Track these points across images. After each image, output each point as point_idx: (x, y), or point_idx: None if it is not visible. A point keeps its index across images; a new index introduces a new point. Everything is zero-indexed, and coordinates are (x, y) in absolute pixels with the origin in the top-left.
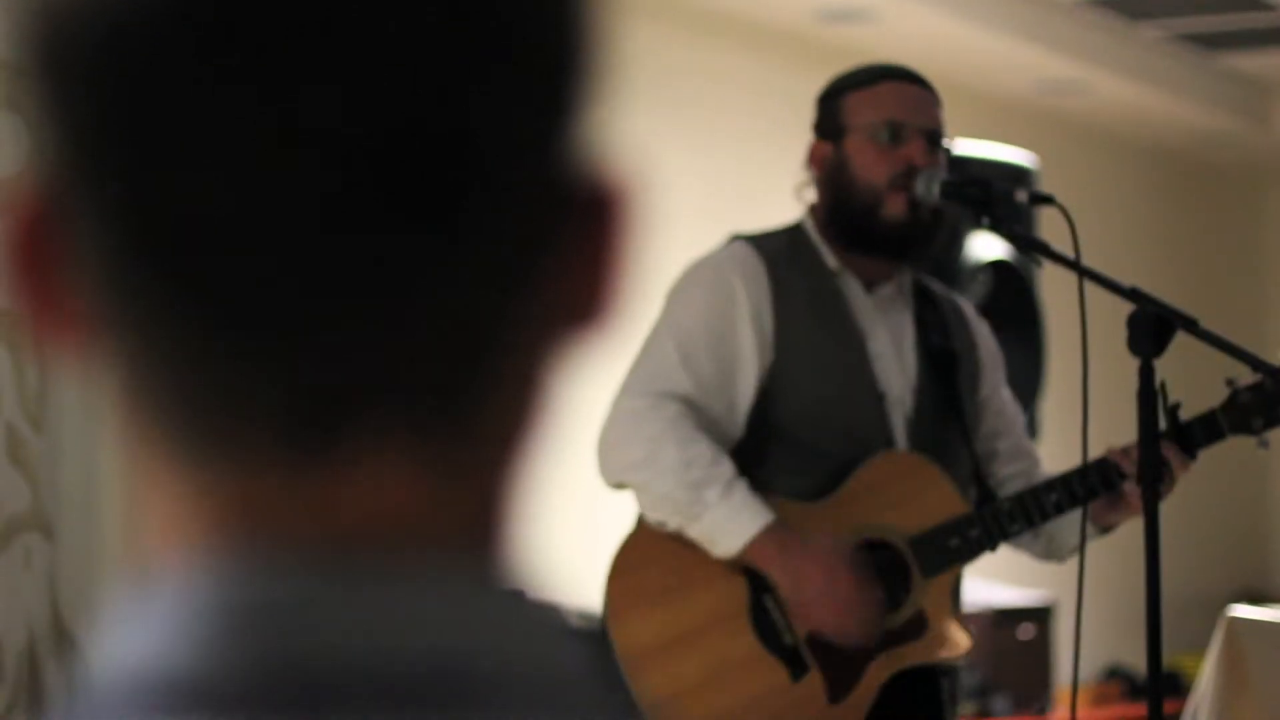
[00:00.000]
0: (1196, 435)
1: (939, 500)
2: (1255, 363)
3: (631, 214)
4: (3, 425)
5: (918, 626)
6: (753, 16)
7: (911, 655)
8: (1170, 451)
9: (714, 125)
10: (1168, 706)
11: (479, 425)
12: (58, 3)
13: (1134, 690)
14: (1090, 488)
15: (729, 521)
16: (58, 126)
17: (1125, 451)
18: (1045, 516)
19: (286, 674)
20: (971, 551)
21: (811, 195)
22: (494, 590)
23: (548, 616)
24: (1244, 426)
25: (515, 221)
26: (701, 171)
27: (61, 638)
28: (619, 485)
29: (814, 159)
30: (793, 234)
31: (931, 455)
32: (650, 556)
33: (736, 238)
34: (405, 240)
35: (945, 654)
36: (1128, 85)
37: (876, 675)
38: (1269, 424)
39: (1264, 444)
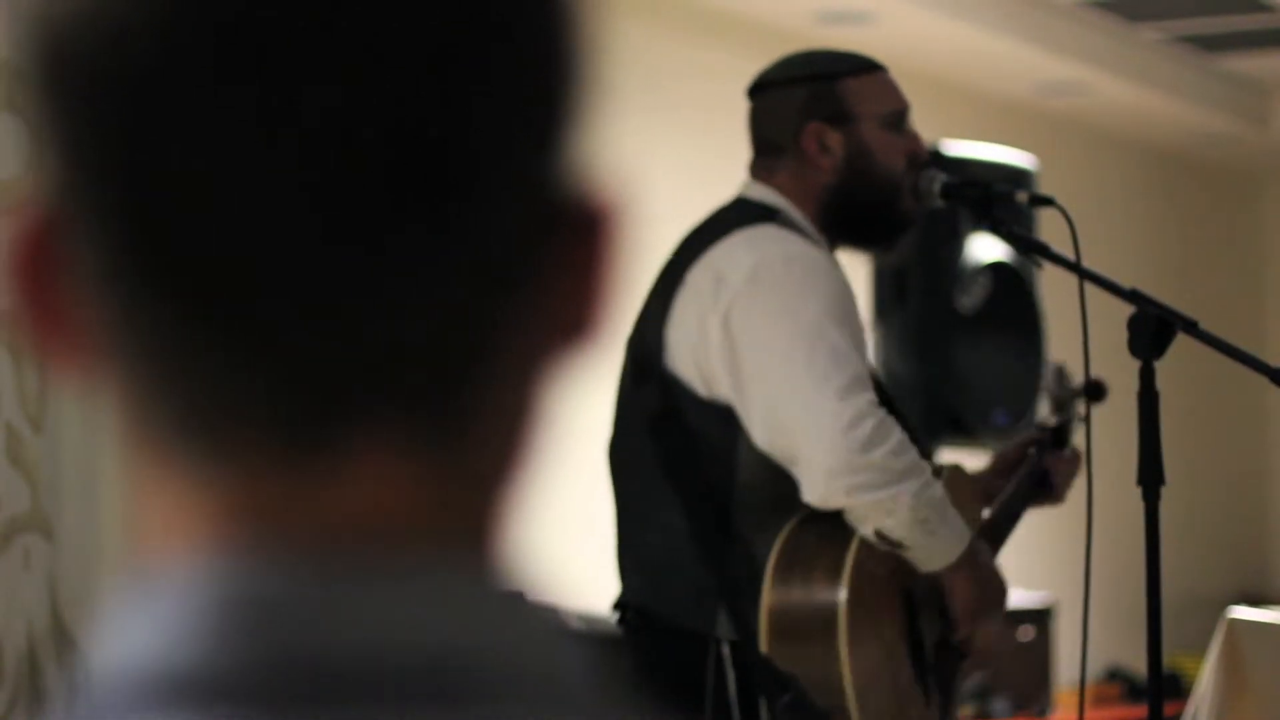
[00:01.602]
0: (1064, 434)
1: (974, 508)
2: (1255, 364)
3: (624, 223)
4: (2, 426)
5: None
6: (751, 18)
7: (968, 669)
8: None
9: (712, 126)
10: (1168, 708)
11: (478, 425)
12: (59, 5)
13: (1134, 691)
14: (1035, 486)
15: (954, 534)
16: (59, 128)
17: (1002, 456)
18: (1014, 521)
19: (286, 673)
20: (1001, 543)
21: (768, 176)
22: (493, 590)
23: (547, 617)
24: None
25: (512, 224)
26: (700, 173)
27: (61, 638)
28: (847, 506)
29: (814, 143)
30: (791, 220)
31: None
32: (865, 582)
33: (753, 221)
34: (403, 243)
35: (996, 656)
36: (1127, 87)
37: (961, 691)
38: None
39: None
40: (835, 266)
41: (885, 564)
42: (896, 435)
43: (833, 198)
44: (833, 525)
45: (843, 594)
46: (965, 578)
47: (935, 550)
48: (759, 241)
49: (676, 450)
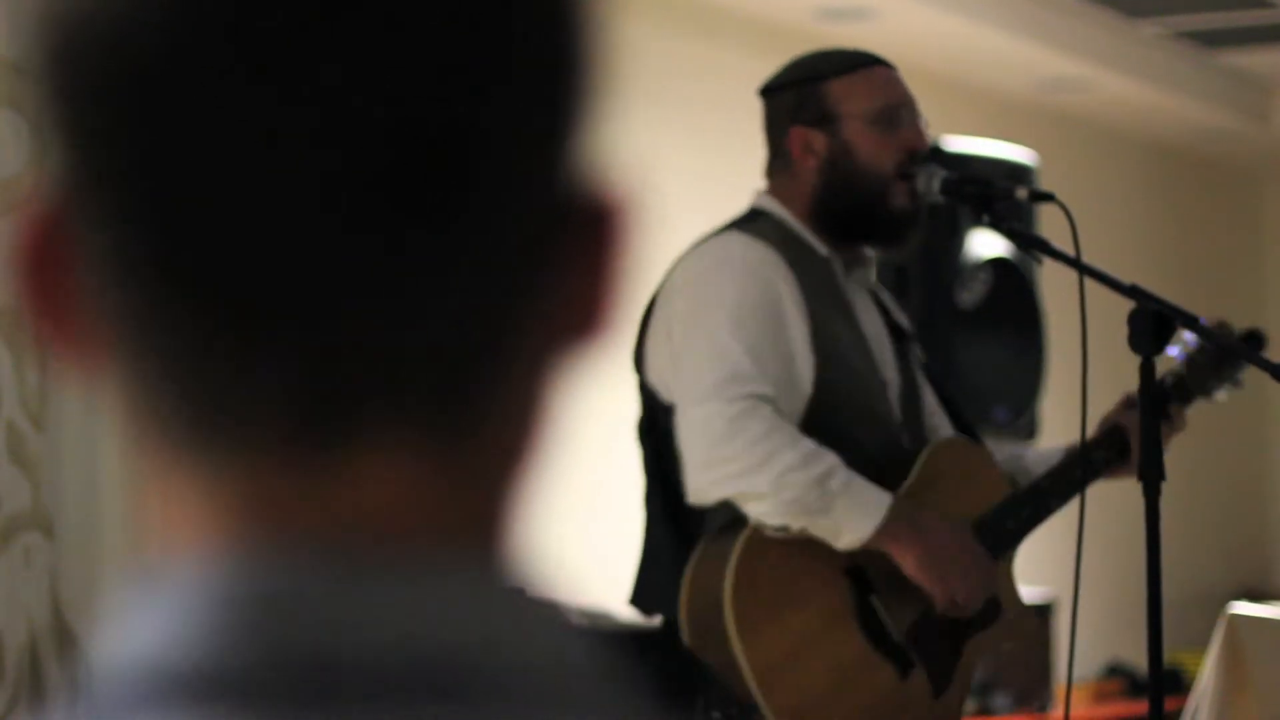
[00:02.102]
0: (1175, 397)
1: (991, 482)
2: (1256, 360)
3: (632, 220)
4: (3, 424)
5: (994, 611)
6: (752, 15)
7: (994, 640)
8: (1171, 409)
9: (713, 124)
10: (1168, 704)
11: (483, 423)
12: (63, 3)
13: (1135, 687)
14: (1107, 458)
15: (857, 508)
16: (62, 126)
17: (1122, 409)
18: (1075, 490)
19: (289, 670)
20: (1024, 531)
21: (771, 184)
22: (497, 587)
23: (549, 614)
24: (1203, 386)
25: (520, 222)
26: (701, 171)
27: (63, 636)
28: (721, 499)
29: (798, 147)
30: (771, 222)
31: (918, 434)
32: (762, 570)
33: (725, 228)
34: (412, 242)
35: (1021, 636)
36: (1128, 82)
37: (969, 664)
38: (1219, 382)
39: (1222, 393)
40: (765, 274)
41: (800, 550)
42: (757, 426)
43: (820, 199)
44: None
45: (727, 583)
46: (898, 545)
47: (839, 525)
48: (709, 248)
49: (655, 457)
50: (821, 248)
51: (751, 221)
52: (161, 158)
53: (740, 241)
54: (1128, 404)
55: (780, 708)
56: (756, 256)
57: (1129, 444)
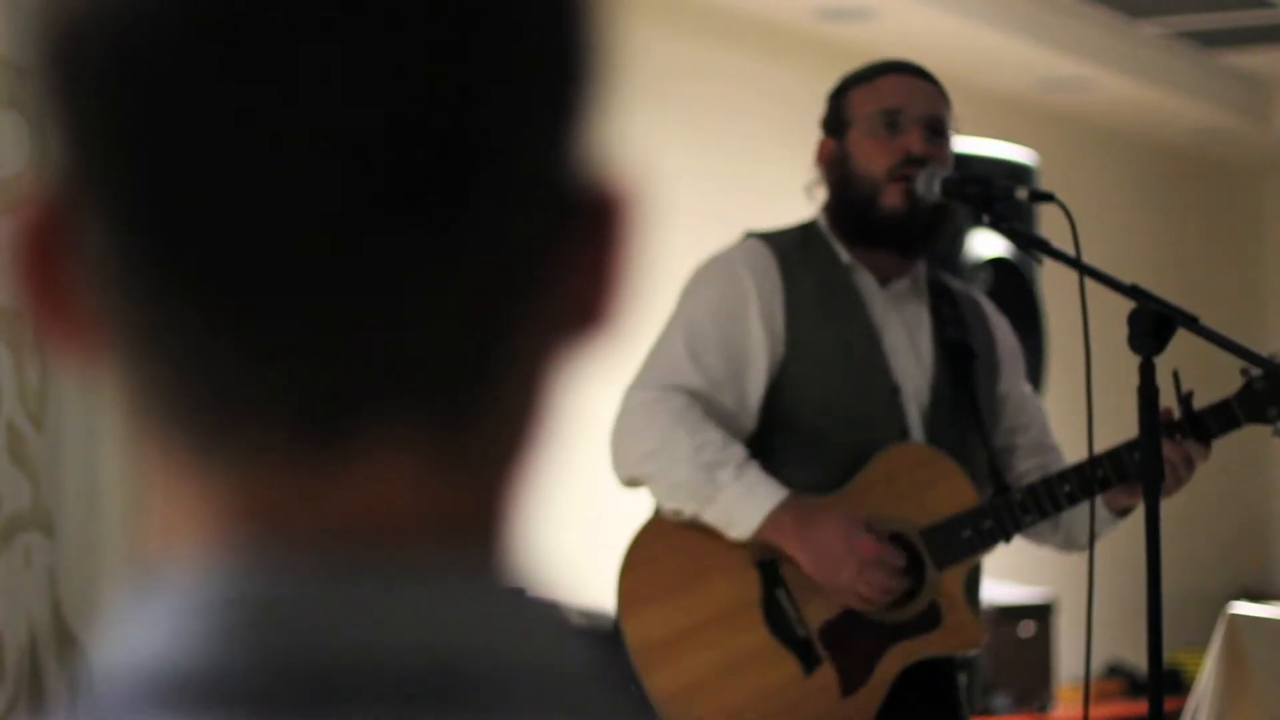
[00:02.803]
0: (1210, 424)
1: (951, 492)
2: (1256, 360)
3: (635, 216)
4: (3, 423)
5: (932, 619)
6: (753, 15)
7: (925, 647)
8: (1188, 445)
9: (714, 124)
10: (1168, 704)
11: (483, 424)
12: (63, 2)
13: (1134, 687)
14: (1102, 476)
15: (744, 500)
16: (62, 125)
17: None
18: (1058, 507)
19: (289, 671)
20: (984, 543)
21: (822, 193)
22: (496, 587)
23: (549, 614)
24: (1259, 415)
25: (521, 221)
26: (702, 170)
27: (63, 637)
28: (631, 479)
29: (821, 156)
30: (806, 230)
31: (947, 449)
32: (663, 550)
33: (750, 235)
34: (411, 240)
35: (960, 647)
36: (1128, 82)
37: (889, 668)
38: None
39: (1279, 432)
40: (738, 275)
41: (712, 538)
42: (664, 413)
43: (831, 204)
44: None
45: (622, 561)
46: (793, 545)
47: (726, 516)
48: (723, 250)
49: None
50: (845, 255)
51: (785, 230)
52: (161, 157)
53: (740, 247)
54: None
55: (660, 688)
56: (741, 259)
57: (1128, 473)
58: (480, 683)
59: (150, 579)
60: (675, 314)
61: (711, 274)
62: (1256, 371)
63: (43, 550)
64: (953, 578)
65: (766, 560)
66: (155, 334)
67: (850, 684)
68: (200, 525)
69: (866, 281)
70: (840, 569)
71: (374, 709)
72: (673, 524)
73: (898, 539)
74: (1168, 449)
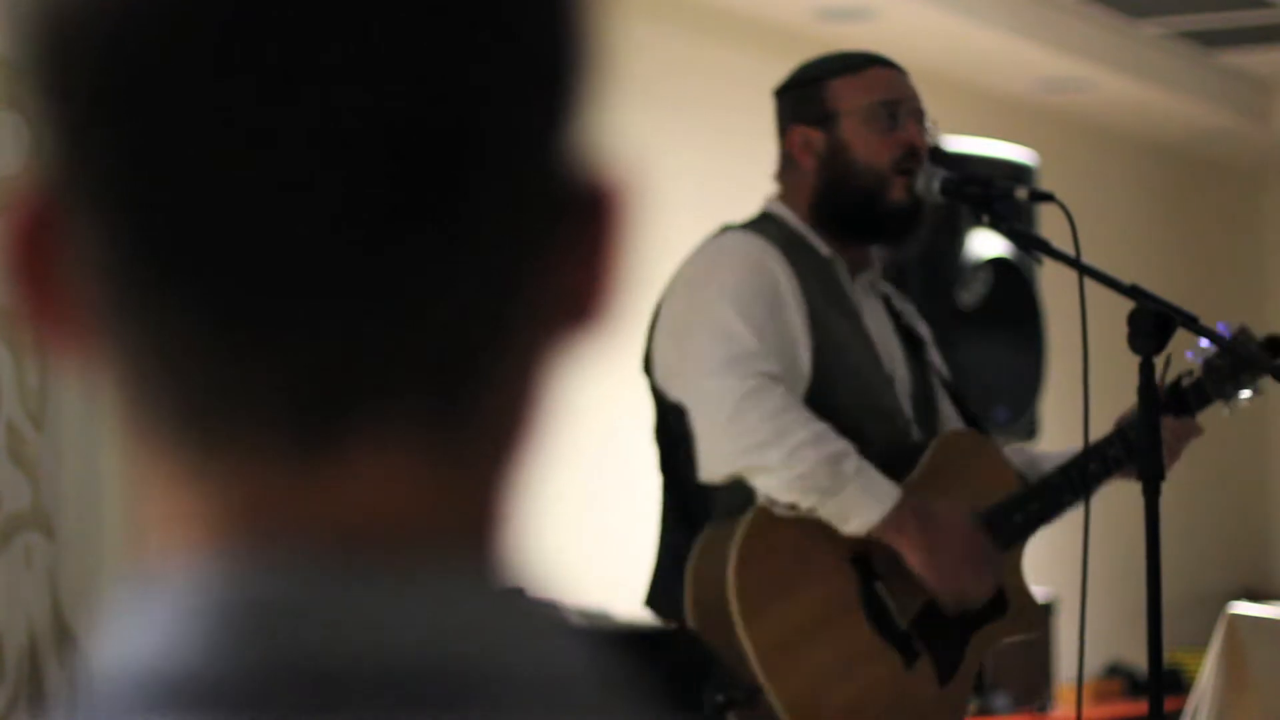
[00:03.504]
0: (1193, 402)
1: (997, 476)
2: (1256, 359)
3: (628, 212)
4: (3, 423)
5: (1000, 604)
6: (752, 14)
7: (1000, 633)
8: (1182, 423)
9: (713, 123)
10: (1168, 704)
11: (479, 422)
12: (58, 2)
13: (1135, 687)
14: (1117, 456)
15: (866, 494)
16: (58, 124)
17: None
18: (1088, 487)
19: (288, 671)
20: (1034, 525)
21: (795, 183)
22: (494, 588)
23: (549, 614)
24: (1223, 392)
25: (514, 219)
26: (700, 169)
27: (63, 636)
28: (738, 472)
29: (797, 145)
30: (775, 224)
31: (936, 429)
32: (769, 548)
33: (728, 229)
34: (405, 238)
35: (1027, 629)
36: (1128, 82)
37: (975, 655)
38: (1238, 387)
39: (1234, 406)
40: (762, 262)
41: (808, 533)
42: (770, 402)
43: (819, 197)
44: (743, 506)
45: (731, 561)
46: (904, 537)
47: (846, 508)
48: (708, 245)
49: (666, 455)
50: (824, 248)
51: (757, 222)
52: (158, 157)
53: (739, 236)
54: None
55: (786, 691)
56: (755, 248)
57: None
58: (480, 683)
59: (149, 579)
60: (706, 303)
61: (732, 263)
62: (1214, 351)
63: (43, 550)
64: (1012, 562)
65: (861, 554)
66: (151, 334)
67: (945, 674)
68: (197, 526)
69: (844, 274)
70: (953, 569)
71: (373, 709)
72: (771, 519)
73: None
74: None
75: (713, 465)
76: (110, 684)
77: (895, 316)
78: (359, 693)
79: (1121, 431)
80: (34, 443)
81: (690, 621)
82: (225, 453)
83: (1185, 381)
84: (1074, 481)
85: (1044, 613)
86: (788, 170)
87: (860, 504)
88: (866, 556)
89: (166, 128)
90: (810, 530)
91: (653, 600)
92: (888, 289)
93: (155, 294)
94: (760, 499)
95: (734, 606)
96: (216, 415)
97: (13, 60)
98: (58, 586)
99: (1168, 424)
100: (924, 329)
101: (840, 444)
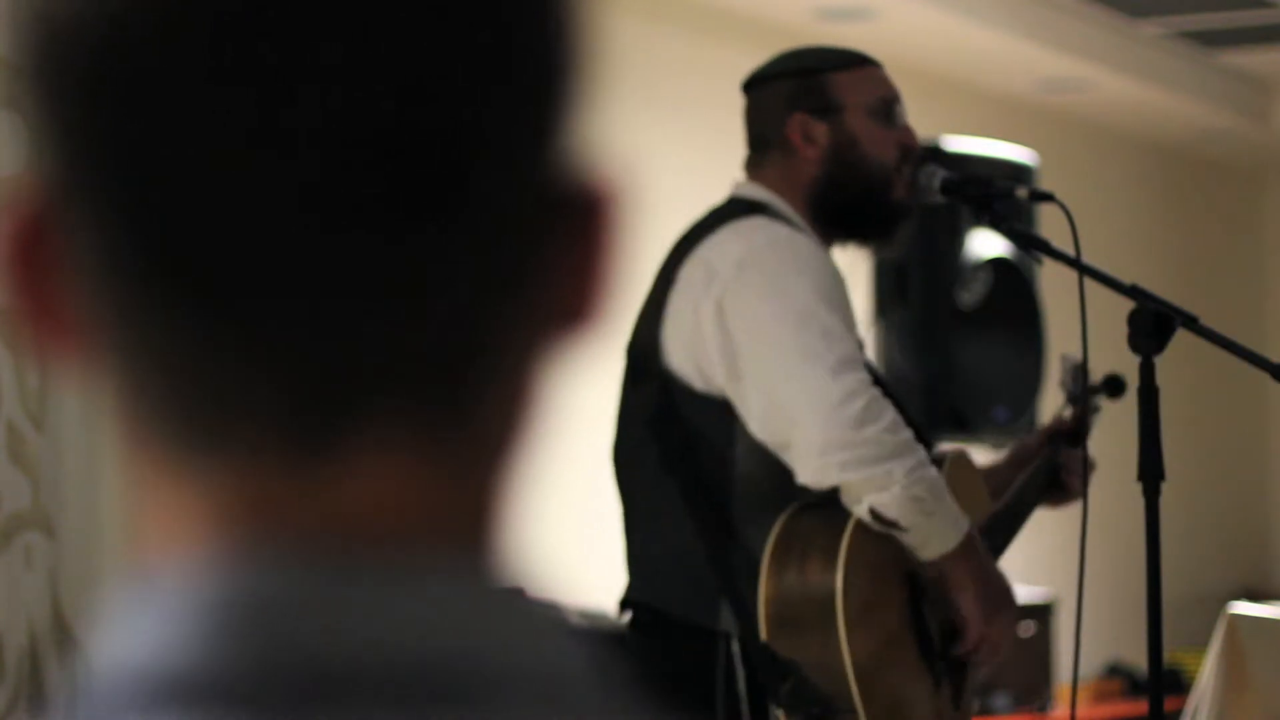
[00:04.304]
0: (1080, 439)
1: (978, 494)
2: (1256, 359)
3: (623, 213)
4: (3, 423)
5: None
6: (752, 14)
7: (985, 658)
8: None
9: (713, 123)
10: (1168, 704)
11: (475, 421)
12: (58, 3)
13: (1134, 687)
14: (1048, 482)
15: (950, 520)
16: (56, 125)
17: (1048, 438)
18: (1029, 513)
19: (287, 671)
20: (1002, 547)
21: (758, 173)
22: (494, 588)
23: (549, 614)
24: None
25: (511, 220)
26: (699, 169)
27: (63, 636)
28: (844, 483)
29: (799, 134)
30: (764, 210)
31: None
32: (864, 564)
33: (743, 216)
34: (400, 240)
35: (1005, 649)
36: (1128, 82)
37: (975, 675)
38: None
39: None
40: (823, 251)
41: (884, 548)
42: (890, 414)
43: (821, 189)
44: (829, 511)
45: (839, 578)
46: (967, 569)
47: (933, 533)
48: (746, 231)
49: (676, 448)
50: (816, 238)
51: (761, 210)
52: (155, 157)
53: (777, 226)
54: (1046, 437)
55: (875, 710)
56: (805, 239)
57: (1058, 474)
58: (479, 683)
59: (149, 579)
60: (783, 296)
61: (796, 253)
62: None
63: (43, 550)
64: None
65: (911, 571)
66: (150, 334)
67: (957, 698)
68: (198, 525)
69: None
70: (1000, 609)
71: (371, 709)
72: (867, 533)
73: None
74: (1070, 457)
75: (822, 472)
76: (110, 684)
77: None
78: (358, 692)
79: (1049, 454)
80: (34, 443)
81: (763, 631)
82: (224, 452)
83: (1067, 414)
84: (1023, 511)
85: (1018, 634)
86: (779, 160)
87: (944, 530)
88: (916, 574)
89: (164, 128)
90: (885, 546)
91: (639, 600)
92: None
93: (153, 294)
94: (856, 511)
95: (840, 617)
96: (215, 415)
97: (12, 60)
98: (58, 586)
99: (1069, 458)
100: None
101: (932, 464)
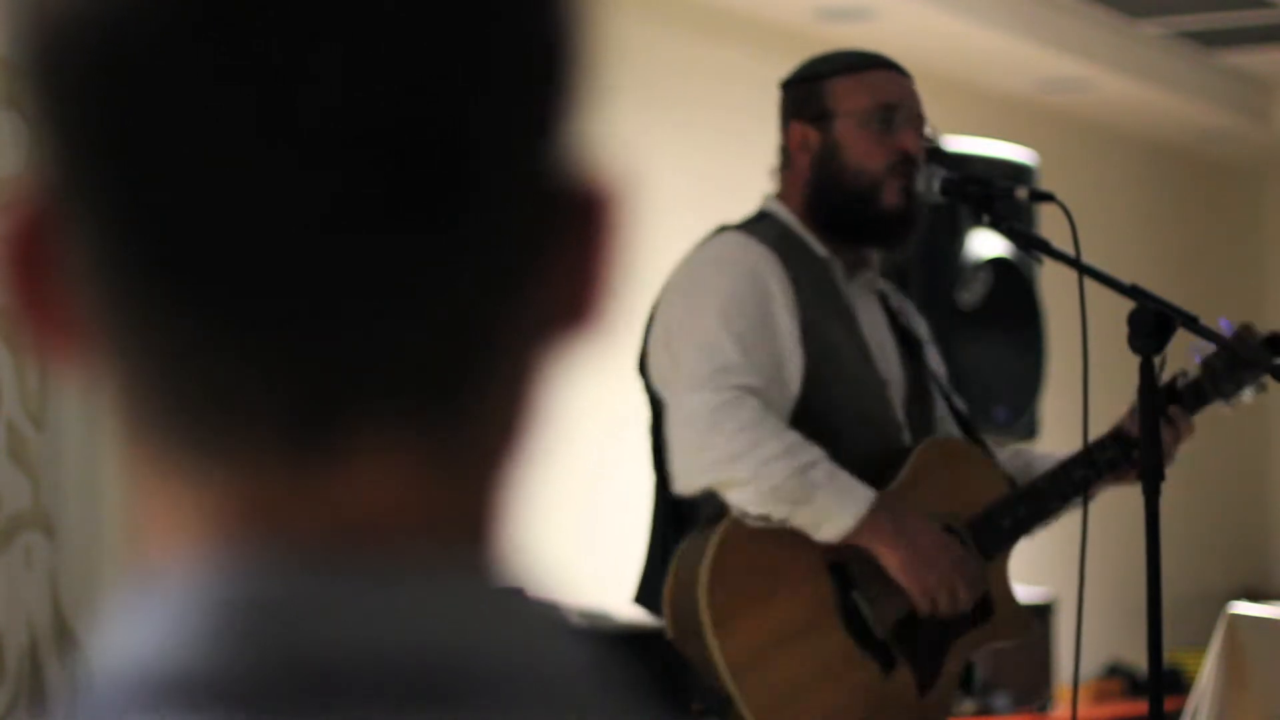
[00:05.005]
0: (1188, 401)
1: (985, 482)
2: (1256, 359)
3: (623, 213)
4: (4, 423)
5: (985, 610)
6: (752, 14)
7: (984, 639)
8: (1175, 413)
9: (713, 123)
10: (1168, 704)
11: (475, 422)
12: (57, 2)
13: (1134, 687)
14: (1110, 457)
15: (839, 501)
16: (56, 125)
17: (1133, 414)
18: (1076, 492)
19: (287, 671)
20: (1020, 531)
21: (790, 179)
22: (493, 587)
23: (548, 614)
24: (1220, 391)
25: (509, 220)
26: (699, 169)
27: (63, 636)
28: (708, 486)
29: (795, 142)
30: (772, 223)
31: (929, 434)
32: (743, 560)
33: (724, 229)
34: (400, 240)
35: (1013, 636)
36: (1128, 82)
37: (955, 663)
38: (1239, 386)
39: (1235, 404)
40: (755, 269)
41: (781, 546)
42: (743, 415)
43: (812, 195)
44: (721, 514)
45: (702, 575)
46: (880, 540)
47: (818, 517)
48: (705, 247)
49: (657, 455)
50: (820, 248)
51: (754, 222)
52: (155, 157)
53: (735, 240)
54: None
55: (755, 703)
56: (751, 254)
57: (1134, 448)
58: (479, 683)
59: (149, 579)
60: (695, 311)
61: (723, 269)
62: (1211, 350)
63: (43, 550)
64: (997, 569)
65: (837, 562)
66: (149, 334)
67: (925, 682)
68: (197, 525)
69: (840, 275)
70: (931, 576)
71: (372, 709)
72: (744, 531)
73: (949, 534)
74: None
75: (686, 478)
76: (110, 684)
77: (892, 316)
78: (357, 692)
79: (1115, 435)
80: (34, 443)
81: (668, 631)
82: (224, 453)
83: (1180, 382)
84: (1063, 487)
85: (1030, 619)
86: (785, 166)
87: (831, 511)
88: (843, 564)
89: (164, 128)
90: (784, 540)
91: (642, 597)
92: (886, 288)
93: (153, 294)
94: (733, 511)
95: (705, 619)
96: (215, 415)
97: (12, 60)
98: (58, 586)
99: (1172, 424)
100: (922, 328)
101: (812, 453)
